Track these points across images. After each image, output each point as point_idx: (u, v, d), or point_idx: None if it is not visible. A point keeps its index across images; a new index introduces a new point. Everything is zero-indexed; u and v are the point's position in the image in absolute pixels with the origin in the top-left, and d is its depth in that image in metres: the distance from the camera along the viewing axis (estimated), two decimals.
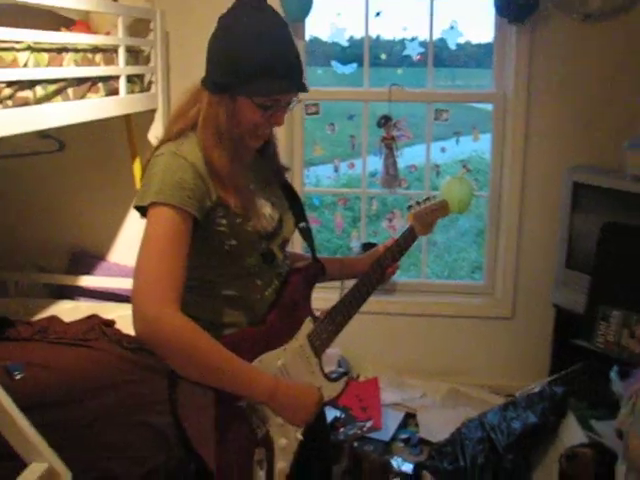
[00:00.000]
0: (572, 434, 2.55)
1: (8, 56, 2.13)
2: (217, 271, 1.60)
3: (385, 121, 3.65)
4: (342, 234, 5.30)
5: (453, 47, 3.83)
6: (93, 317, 3.36)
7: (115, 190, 3.75)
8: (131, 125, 3.41)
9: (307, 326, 1.73)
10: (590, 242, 2.98)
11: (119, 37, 2.89)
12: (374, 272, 1.89)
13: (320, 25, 3.98)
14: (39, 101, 2.31)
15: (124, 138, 3.44)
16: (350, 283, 1.90)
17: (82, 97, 2.61)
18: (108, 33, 3.01)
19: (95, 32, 3.05)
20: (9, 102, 2.15)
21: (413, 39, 3.76)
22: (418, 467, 2.87)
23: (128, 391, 2.74)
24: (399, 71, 4.09)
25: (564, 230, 3.26)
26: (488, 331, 3.77)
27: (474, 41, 6.02)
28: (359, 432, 3.21)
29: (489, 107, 3.72)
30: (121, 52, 2.87)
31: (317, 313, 1.78)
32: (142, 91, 3.22)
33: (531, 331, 3.68)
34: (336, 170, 4.13)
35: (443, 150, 4.04)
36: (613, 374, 2.56)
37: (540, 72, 3.42)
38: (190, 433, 1.53)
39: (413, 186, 4.54)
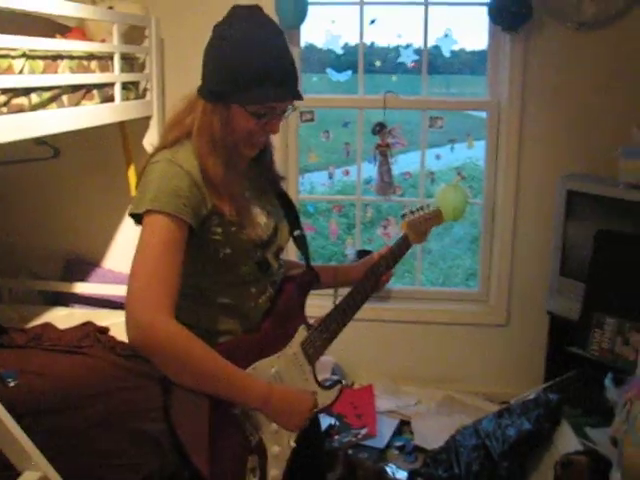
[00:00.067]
0: (567, 441, 2.55)
1: (3, 63, 2.13)
2: (212, 279, 1.60)
3: (380, 128, 3.66)
4: (337, 241, 5.31)
5: (447, 54, 3.84)
6: (87, 324, 3.35)
7: (110, 197, 3.75)
8: (126, 132, 3.40)
9: (301, 334, 1.73)
10: (584, 250, 2.99)
11: (114, 44, 2.89)
12: (368, 280, 1.90)
13: (315, 32, 4.00)
14: (34, 108, 2.31)
15: (119, 145, 3.44)
16: (344, 291, 1.91)
17: (77, 104, 2.61)
18: (103, 40, 3.01)
19: (90, 39, 3.05)
20: (4, 109, 2.15)
21: (408, 46, 3.78)
22: (413, 474, 2.87)
23: (122, 398, 2.73)
24: (394, 78, 4.11)
25: (558, 238, 3.26)
26: (483, 338, 3.78)
27: (468, 48, 6.03)
28: (354, 439, 3.20)
29: (483, 114, 3.73)
30: (116, 59, 2.87)
31: (311, 321, 1.78)
32: (137, 98, 3.22)
33: (525, 338, 3.69)
34: (331, 177, 4.14)
35: (438, 157, 4.04)
36: (607, 381, 2.57)
37: (534, 80, 3.43)
38: (184, 440, 1.53)
39: (408, 193, 4.55)
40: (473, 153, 4.96)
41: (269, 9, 3.18)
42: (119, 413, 2.61)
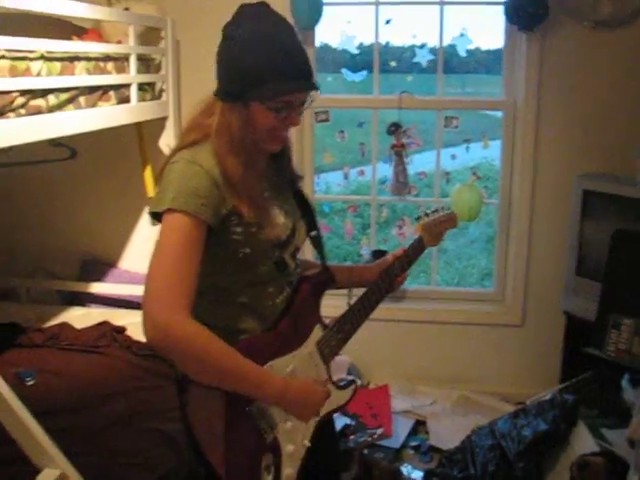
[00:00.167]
0: (583, 442, 2.54)
1: (22, 65, 2.14)
2: (231, 278, 1.61)
3: (395, 128, 3.66)
4: (352, 241, 5.30)
5: (463, 54, 3.82)
6: (104, 324, 3.37)
7: (126, 198, 3.77)
8: (142, 133, 3.42)
9: (316, 333, 1.74)
10: (600, 249, 2.97)
11: (130, 45, 2.90)
12: (383, 281, 1.91)
13: (330, 32, 3.99)
14: (51, 109, 2.32)
15: (135, 146, 3.46)
16: (358, 291, 1.91)
17: (94, 105, 2.63)
18: (119, 42, 3.03)
19: (107, 41, 3.08)
20: (22, 110, 2.16)
21: (423, 46, 3.77)
22: (428, 475, 2.87)
23: (139, 398, 2.75)
24: (409, 78, 4.10)
25: (574, 237, 3.25)
26: (498, 338, 3.77)
27: (484, 48, 6.01)
28: (369, 439, 3.21)
29: (499, 114, 3.72)
30: (132, 60, 2.89)
31: (326, 321, 1.79)
32: (153, 99, 3.24)
33: (541, 339, 3.67)
34: (346, 177, 4.15)
35: (453, 157, 4.03)
36: (624, 382, 2.56)
37: (550, 79, 3.42)
38: (200, 437, 1.54)
39: (423, 193, 4.54)
40: (488, 153, 4.94)
41: (284, 10, 3.18)
42: (136, 412, 2.63)
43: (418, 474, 2.97)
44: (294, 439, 1.63)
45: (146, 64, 3.18)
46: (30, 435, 1.81)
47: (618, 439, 2.46)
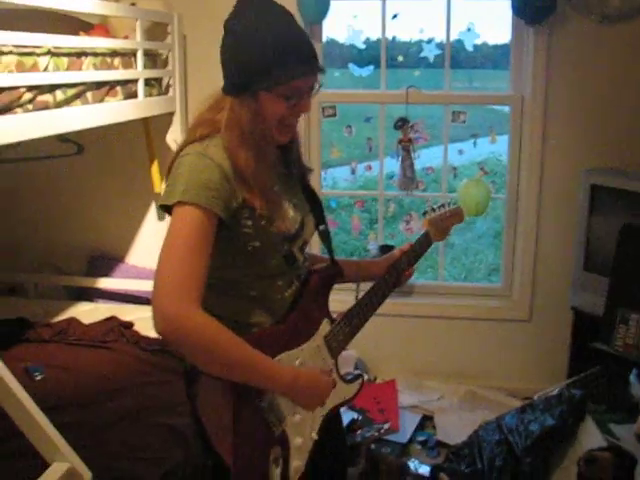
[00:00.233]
0: (590, 437, 2.53)
1: (29, 61, 2.15)
2: (241, 271, 1.62)
3: (402, 123, 3.65)
4: (359, 236, 5.30)
5: (470, 48, 3.81)
6: (112, 319, 3.38)
7: (133, 193, 3.78)
8: (149, 128, 3.43)
9: (324, 327, 1.74)
10: (608, 244, 2.96)
11: (137, 41, 2.91)
12: (390, 276, 1.91)
13: (337, 27, 3.99)
14: (59, 105, 2.33)
15: (142, 141, 3.47)
16: (365, 286, 1.91)
17: (101, 101, 2.63)
18: (126, 37, 3.03)
19: (113, 36, 3.08)
20: (29, 106, 2.17)
21: (430, 40, 3.76)
22: (435, 469, 2.86)
23: (147, 393, 2.76)
24: (416, 73, 4.09)
25: (582, 232, 3.24)
26: (505, 334, 3.76)
27: (491, 42, 6.00)
28: (376, 434, 3.21)
29: (506, 109, 3.71)
30: (139, 56, 2.89)
31: (334, 315, 1.79)
32: (160, 94, 3.25)
33: (549, 334, 3.66)
34: (353, 172, 4.14)
35: (460, 152, 4.02)
36: (632, 377, 2.55)
37: (558, 74, 3.40)
38: (208, 429, 1.55)
39: (430, 188, 4.55)
40: (496, 148, 4.93)
41: (291, 5, 3.18)
42: (144, 407, 2.64)
43: (425, 469, 2.97)
44: (302, 432, 1.64)
45: (153, 59, 3.18)
46: (39, 429, 1.82)
47: (626, 434, 2.46)
